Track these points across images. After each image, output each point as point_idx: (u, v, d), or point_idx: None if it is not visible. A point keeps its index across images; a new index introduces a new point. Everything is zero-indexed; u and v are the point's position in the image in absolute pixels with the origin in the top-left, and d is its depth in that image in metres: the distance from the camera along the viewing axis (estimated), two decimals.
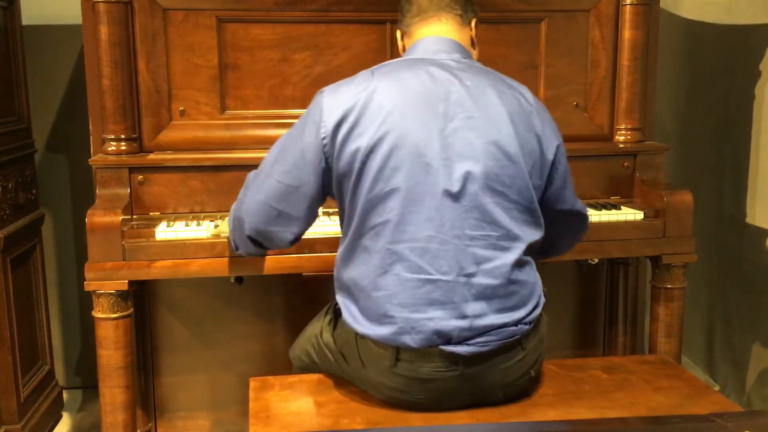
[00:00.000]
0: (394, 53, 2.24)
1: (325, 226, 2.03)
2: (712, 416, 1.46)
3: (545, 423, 1.55)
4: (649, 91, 2.37)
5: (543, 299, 1.64)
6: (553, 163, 1.62)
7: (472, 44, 1.75)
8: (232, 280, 2.12)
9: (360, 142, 1.51)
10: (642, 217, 2.17)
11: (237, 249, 1.84)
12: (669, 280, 2.19)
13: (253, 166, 2.08)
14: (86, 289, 1.95)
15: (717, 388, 2.84)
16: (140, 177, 2.10)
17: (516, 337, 1.57)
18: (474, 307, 1.53)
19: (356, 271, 1.57)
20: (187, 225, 2.01)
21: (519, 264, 1.56)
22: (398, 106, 1.52)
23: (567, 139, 1.74)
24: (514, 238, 1.56)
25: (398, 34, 1.79)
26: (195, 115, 2.21)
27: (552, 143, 1.62)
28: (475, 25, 1.74)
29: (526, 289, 1.58)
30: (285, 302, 2.44)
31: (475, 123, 1.53)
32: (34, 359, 2.58)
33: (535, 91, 1.91)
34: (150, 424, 2.45)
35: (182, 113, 2.20)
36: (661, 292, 2.21)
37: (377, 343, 1.56)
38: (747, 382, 2.75)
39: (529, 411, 1.61)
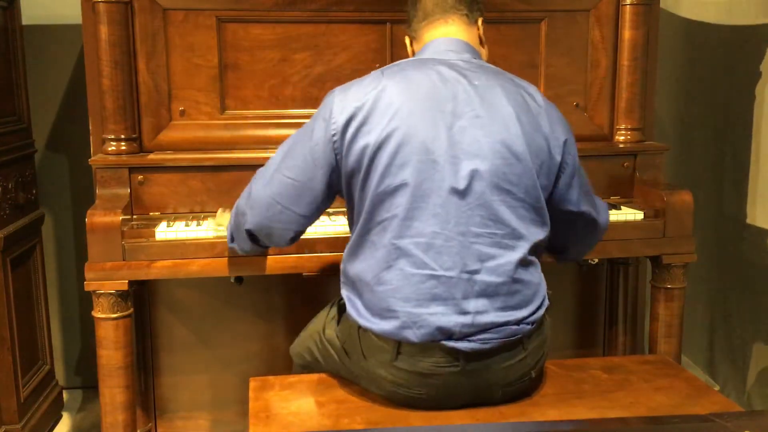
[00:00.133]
0: (395, 53, 2.25)
1: (325, 226, 2.03)
2: (712, 416, 1.46)
3: (545, 423, 1.55)
4: (649, 91, 2.37)
5: (547, 301, 1.64)
6: (561, 164, 1.63)
7: (481, 42, 1.76)
8: (232, 280, 2.12)
9: (368, 138, 1.53)
10: (642, 217, 2.17)
11: (232, 241, 1.85)
12: (669, 280, 2.19)
13: (253, 166, 2.08)
14: (86, 289, 1.95)
15: (717, 388, 2.84)
16: (140, 177, 2.10)
17: (517, 336, 1.57)
18: (476, 304, 1.53)
19: (361, 266, 1.58)
20: (187, 225, 2.01)
21: (523, 263, 1.57)
22: (407, 103, 1.54)
23: None
24: (519, 237, 1.56)
25: (407, 41, 1.80)
26: (195, 115, 2.21)
27: (559, 141, 1.62)
28: (482, 23, 1.76)
29: (529, 288, 1.59)
30: (285, 302, 2.44)
31: (483, 122, 1.55)
32: (34, 359, 2.58)
33: None
34: (150, 424, 2.45)
35: (182, 113, 2.20)
36: (661, 292, 2.21)
37: (379, 336, 1.57)
38: (747, 382, 2.75)
39: (529, 411, 1.61)
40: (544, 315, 1.63)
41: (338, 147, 1.57)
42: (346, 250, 1.65)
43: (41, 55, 2.74)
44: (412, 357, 1.55)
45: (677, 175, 3.04)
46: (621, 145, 2.34)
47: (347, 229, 2.02)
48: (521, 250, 1.56)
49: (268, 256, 1.99)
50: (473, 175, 1.52)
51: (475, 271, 1.53)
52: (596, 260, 2.34)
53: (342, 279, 1.67)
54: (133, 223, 2.06)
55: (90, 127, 2.20)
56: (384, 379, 1.59)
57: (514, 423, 1.56)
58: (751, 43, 2.64)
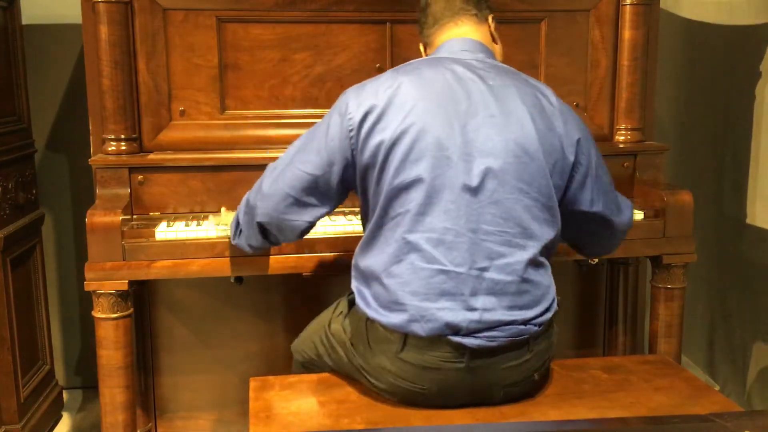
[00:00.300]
0: (395, 53, 2.25)
1: (325, 226, 2.03)
2: (712, 416, 1.46)
3: (545, 423, 1.55)
4: (649, 91, 2.37)
5: (556, 306, 1.64)
6: (574, 164, 1.64)
7: (494, 39, 1.77)
8: (232, 280, 2.12)
9: (384, 135, 1.55)
10: (642, 217, 2.17)
11: (239, 236, 1.84)
12: (669, 280, 2.19)
13: (253, 166, 2.10)
14: (86, 289, 1.95)
15: (717, 388, 2.84)
16: (140, 177, 2.10)
17: (524, 336, 1.57)
18: (484, 301, 1.54)
19: (373, 259, 1.60)
20: (187, 225, 2.01)
21: (534, 263, 1.58)
22: (422, 101, 1.56)
23: None
24: (530, 236, 1.57)
25: (421, 48, 1.82)
26: (195, 115, 2.21)
27: (573, 140, 1.63)
28: (493, 20, 1.77)
29: (538, 290, 1.59)
30: (285, 302, 2.44)
31: (497, 121, 1.56)
32: (34, 359, 2.58)
33: None
34: (150, 424, 2.45)
35: (182, 113, 2.20)
36: (661, 292, 2.21)
37: (386, 328, 1.57)
38: (747, 382, 2.75)
39: (529, 411, 1.61)
40: (552, 319, 1.64)
41: (354, 142, 1.59)
42: (359, 245, 1.67)
43: (41, 55, 2.74)
44: (417, 350, 1.56)
45: (677, 175, 3.04)
46: (621, 145, 2.34)
47: (347, 229, 2.03)
48: (532, 249, 1.57)
49: (268, 256, 1.99)
50: (486, 172, 1.54)
51: (485, 269, 1.54)
52: (596, 260, 2.34)
53: (353, 273, 1.68)
54: (133, 223, 2.06)
55: (90, 127, 2.20)
56: (388, 372, 1.60)
57: (515, 423, 1.56)
58: (751, 43, 2.64)
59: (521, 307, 1.57)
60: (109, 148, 2.12)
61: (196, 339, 2.42)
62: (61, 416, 2.77)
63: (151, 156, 2.14)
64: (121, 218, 1.94)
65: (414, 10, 2.20)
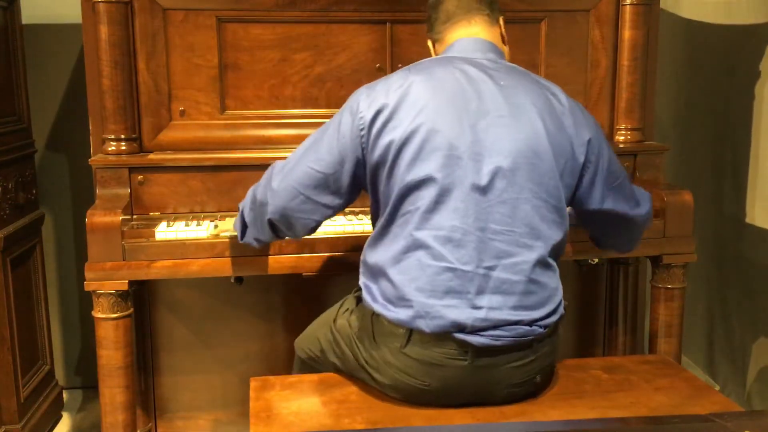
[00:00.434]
0: (395, 53, 2.25)
1: (326, 226, 2.03)
2: (712, 416, 1.46)
3: (546, 423, 1.55)
4: (649, 91, 2.37)
5: (562, 310, 1.65)
6: (584, 164, 1.65)
7: (503, 41, 1.78)
8: (232, 280, 2.12)
9: (394, 134, 1.56)
10: None
11: (245, 234, 1.83)
12: (669, 280, 2.19)
13: (253, 166, 2.10)
14: (86, 289, 1.95)
15: (717, 388, 2.84)
16: (140, 177, 2.10)
17: (528, 338, 1.57)
18: (490, 300, 1.54)
19: (381, 255, 1.60)
20: (187, 225, 2.01)
21: (541, 264, 1.58)
22: (432, 101, 1.57)
23: None
24: (538, 236, 1.58)
25: (429, 44, 1.82)
26: (195, 115, 2.21)
27: (583, 140, 1.64)
28: (504, 22, 1.78)
29: (545, 291, 1.60)
30: (285, 302, 2.44)
31: (507, 122, 1.57)
32: (34, 359, 2.58)
33: None
34: (150, 424, 2.45)
35: (182, 113, 2.20)
36: (661, 292, 2.21)
37: (392, 322, 1.58)
38: (747, 382, 2.75)
39: (529, 411, 1.61)
40: (557, 323, 1.64)
41: (365, 141, 1.60)
42: (367, 242, 1.67)
43: (41, 54, 2.74)
44: (422, 345, 1.56)
45: (677, 175, 3.04)
46: (621, 145, 2.34)
47: (347, 229, 2.03)
48: (539, 250, 1.58)
49: (268, 256, 1.99)
50: (495, 172, 1.54)
51: (492, 267, 1.55)
52: (596, 260, 2.34)
53: (361, 269, 1.69)
54: (133, 223, 2.06)
55: (90, 127, 2.20)
56: (392, 366, 1.60)
57: (515, 423, 1.56)
58: (751, 42, 2.64)
59: (527, 308, 1.57)
60: (109, 148, 2.12)
61: (196, 339, 2.42)
62: (61, 416, 2.77)
63: (151, 156, 2.14)
64: (121, 218, 1.94)
65: (414, 10, 2.21)
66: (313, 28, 2.22)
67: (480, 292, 1.54)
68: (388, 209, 1.59)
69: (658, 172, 2.33)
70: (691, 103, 3.06)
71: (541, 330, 1.59)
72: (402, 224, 1.57)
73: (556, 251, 1.63)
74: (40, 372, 2.61)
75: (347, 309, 1.77)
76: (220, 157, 2.15)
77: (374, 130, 1.58)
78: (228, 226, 1.96)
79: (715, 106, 2.90)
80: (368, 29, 2.24)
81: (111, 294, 1.94)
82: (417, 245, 1.55)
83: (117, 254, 1.94)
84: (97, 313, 1.96)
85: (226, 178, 2.14)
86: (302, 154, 1.69)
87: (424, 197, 1.54)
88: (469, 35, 1.72)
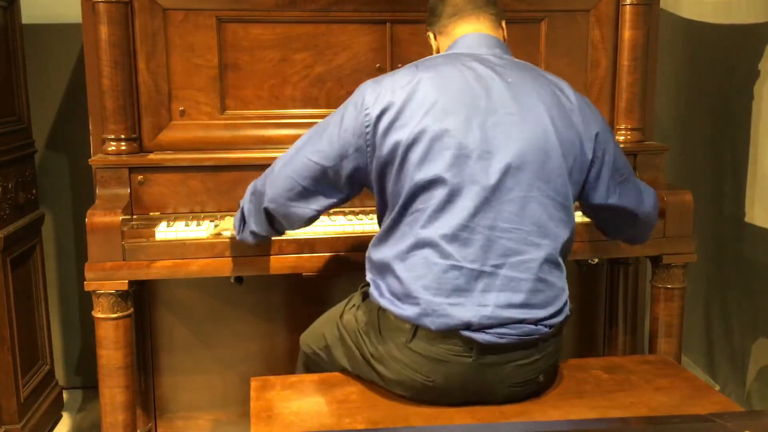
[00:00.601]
0: (395, 53, 2.25)
1: (325, 226, 2.03)
2: (712, 416, 1.46)
3: (546, 423, 1.55)
4: (649, 91, 2.37)
5: (568, 311, 1.65)
6: (592, 159, 1.65)
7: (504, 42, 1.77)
8: (232, 280, 2.12)
9: (401, 134, 1.55)
10: None
11: (243, 229, 1.83)
12: (669, 280, 2.19)
13: (253, 166, 2.10)
14: (86, 289, 1.95)
15: (717, 388, 2.84)
16: (140, 177, 2.10)
17: (533, 336, 1.58)
18: (497, 298, 1.55)
19: (388, 252, 1.60)
20: (187, 225, 2.01)
21: (549, 263, 1.59)
22: (440, 99, 1.56)
23: None
24: (546, 234, 1.58)
25: (431, 36, 1.80)
26: (195, 115, 2.21)
27: (591, 135, 1.64)
28: (505, 25, 1.78)
29: (552, 290, 1.60)
30: (285, 302, 2.44)
31: (515, 120, 1.57)
32: (34, 359, 2.58)
33: None
34: (150, 424, 2.45)
35: (182, 113, 2.20)
36: (661, 292, 2.21)
37: (398, 317, 1.58)
38: (747, 382, 2.75)
39: (529, 410, 1.61)
40: (562, 323, 1.64)
41: (370, 138, 1.59)
42: (373, 240, 1.67)
43: (41, 54, 2.74)
44: (427, 341, 1.56)
45: (677, 175, 3.04)
46: (621, 145, 2.32)
47: (347, 229, 2.03)
48: (546, 248, 1.58)
49: (268, 256, 1.99)
50: (504, 171, 1.54)
51: (499, 266, 1.55)
52: (596, 260, 2.34)
53: (367, 265, 1.69)
54: (133, 223, 2.06)
55: (90, 127, 2.20)
56: (397, 361, 1.60)
57: (515, 423, 1.56)
58: (750, 42, 2.64)
59: (534, 306, 1.57)
60: (109, 148, 2.12)
61: (196, 339, 2.42)
62: (61, 416, 2.77)
63: (151, 156, 2.14)
64: (121, 218, 1.94)
65: (414, 10, 2.21)
66: (313, 28, 2.22)
67: (487, 290, 1.55)
68: (396, 208, 1.59)
69: (658, 172, 2.33)
70: (691, 103, 3.06)
71: (546, 329, 1.59)
72: (410, 223, 1.57)
73: (564, 250, 1.63)
74: (40, 372, 2.61)
75: (354, 305, 1.77)
76: (220, 157, 2.15)
77: (380, 128, 1.57)
78: (228, 225, 1.96)
79: (715, 106, 2.90)
80: (368, 29, 2.24)
81: (111, 294, 1.94)
82: (424, 243, 1.55)
83: (117, 254, 1.94)
84: (97, 313, 1.96)
85: (226, 178, 2.14)
86: (303, 144, 1.69)
87: (434, 197, 1.54)
88: (477, 30, 1.71)
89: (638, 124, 2.34)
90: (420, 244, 1.55)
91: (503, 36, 1.76)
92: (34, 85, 2.64)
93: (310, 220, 1.75)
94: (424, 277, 1.55)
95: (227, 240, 1.97)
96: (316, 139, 1.66)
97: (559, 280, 1.62)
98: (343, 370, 1.77)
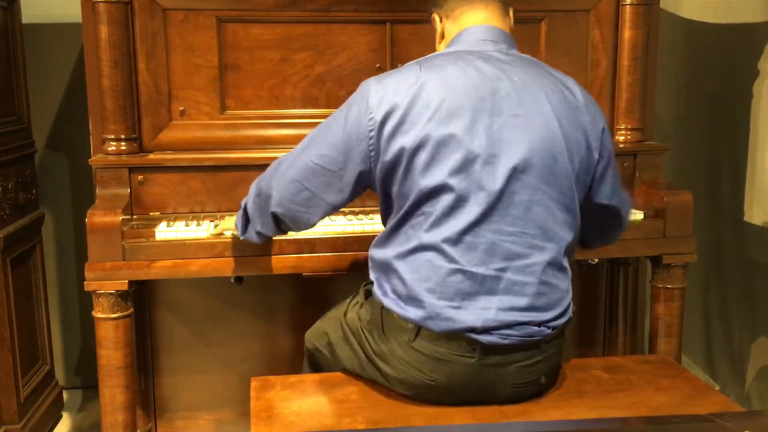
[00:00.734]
0: (395, 53, 2.25)
1: (325, 226, 2.03)
2: (712, 416, 1.46)
3: (546, 423, 1.55)
4: (649, 91, 2.37)
5: (571, 313, 1.65)
6: (599, 159, 1.64)
7: (510, 32, 1.74)
8: (232, 280, 2.12)
9: (406, 139, 1.53)
10: (642, 217, 2.17)
11: (246, 229, 1.83)
12: (669, 280, 2.19)
13: (253, 166, 2.10)
14: (86, 289, 1.95)
15: (717, 388, 2.84)
16: (140, 177, 2.10)
17: (536, 338, 1.57)
18: (501, 302, 1.54)
19: (391, 252, 1.59)
20: (187, 225, 2.01)
21: (553, 266, 1.58)
22: (445, 102, 1.53)
23: None
24: (550, 238, 1.57)
25: (436, 18, 1.75)
26: (195, 115, 2.21)
27: (598, 133, 1.63)
28: (513, 14, 1.75)
29: (556, 293, 1.59)
30: (285, 302, 2.44)
31: (521, 121, 1.55)
32: (34, 359, 2.58)
33: None
34: (150, 424, 2.45)
35: (182, 113, 2.20)
36: (661, 292, 2.21)
37: (401, 317, 1.58)
38: (747, 382, 2.75)
39: (530, 410, 1.61)
40: (565, 325, 1.64)
41: (374, 143, 1.57)
42: (377, 239, 1.66)
43: (41, 54, 2.74)
44: (430, 341, 1.56)
45: (676, 174, 3.04)
46: (621, 145, 2.34)
47: (347, 229, 2.03)
48: (551, 251, 1.57)
49: (268, 256, 1.99)
50: (509, 174, 1.53)
51: (503, 269, 1.54)
52: (596, 260, 2.34)
53: (370, 264, 1.68)
54: (133, 223, 2.06)
55: (90, 127, 2.20)
56: (400, 359, 1.60)
57: (516, 423, 1.56)
58: (750, 41, 2.64)
59: (538, 309, 1.57)
60: (109, 148, 2.12)
61: (196, 339, 2.42)
62: (61, 416, 2.77)
63: (151, 156, 2.14)
64: (121, 218, 1.94)
65: (414, 10, 2.21)
66: (313, 28, 2.22)
67: (491, 293, 1.54)
68: (402, 211, 1.57)
69: (658, 172, 2.33)
70: (691, 103, 3.06)
71: (549, 331, 1.59)
72: (414, 225, 1.56)
73: (568, 252, 1.63)
74: (40, 372, 2.61)
75: (357, 302, 1.77)
76: (220, 157, 2.15)
77: (385, 132, 1.55)
78: (229, 225, 1.95)
79: (715, 106, 2.90)
80: (368, 29, 2.24)
81: (111, 294, 1.94)
82: (427, 247, 1.54)
83: (117, 254, 1.94)
84: (97, 313, 1.96)
85: (226, 178, 2.14)
86: (307, 146, 1.67)
87: (440, 202, 1.53)
88: (483, 21, 1.68)
89: (638, 124, 2.34)
90: (423, 248, 1.55)
91: (510, 24, 1.73)
92: (34, 85, 2.64)
93: (317, 222, 1.74)
94: (428, 280, 1.54)
95: (227, 240, 1.97)
96: (321, 142, 1.64)
97: (563, 282, 1.62)
98: (345, 369, 1.77)
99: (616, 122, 2.36)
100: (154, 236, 1.97)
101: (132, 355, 2.03)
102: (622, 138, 2.35)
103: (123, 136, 2.12)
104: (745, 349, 2.76)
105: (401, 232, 1.59)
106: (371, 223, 2.04)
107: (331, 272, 2.03)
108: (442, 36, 1.75)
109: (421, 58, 1.65)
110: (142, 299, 2.35)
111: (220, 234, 1.98)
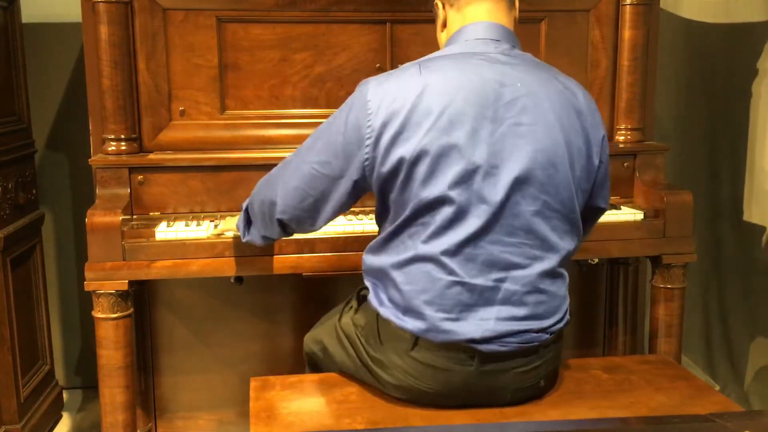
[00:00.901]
0: (395, 53, 2.25)
1: (325, 225, 2.03)
2: (712, 416, 1.46)
3: (546, 423, 1.55)
4: (649, 91, 2.37)
5: (568, 316, 1.64)
6: (599, 166, 1.63)
7: (515, 23, 1.69)
8: (232, 280, 2.12)
9: (405, 149, 1.48)
10: (642, 217, 2.17)
11: (249, 231, 1.81)
12: (669, 280, 2.19)
13: (253, 166, 2.10)
14: (86, 289, 1.95)
15: (717, 388, 2.84)
16: (140, 177, 2.10)
17: (535, 343, 1.57)
18: (499, 311, 1.52)
19: (388, 261, 1.56)
20: (187, 225, 2.01)
21: (551, 275, 1.57)
22: (446, 111, 1.48)
23: None
24: (550, 248, 1.55)
25: (439, 4, 1.67)
26: (195, 115, 2.21)
27: (599, 140, 1.61)
28: (518, 3, 1.69)
29: (554, 300, 1.59)
30: (285, 302, 2.44)
31: (523, 130, 1.51)
32: (34, 359, 2.58)
33: None
34: (150, 424, 2.45)
35: (182, 113, 2.20)
36: (661, 292, 2.21)
37: (399, 328, 1.56)
38: (746, 382, 2.75)
39: (529, 411, 1.61)
40: (562, 329, 1.64)
41: (369, 152, 1.52)
42: (372, 243, 1.63)
43: (41, 54, 2.74)
44: (428, 350, 1.55)
45: (676, 174, 3.04)
46: (621, 145, 2.34)
47: (347, 229, 2.03)
48: (550, 261, 1.56)
49: (268, 256, 1.99)
50: (511, 185, 1.49)
51: (501, 280, 1.52)
52: (596, 260, 2.34)
53: (364, 270, 1.65)
54: (133, 223, 2.06)
55: (90, 127, 2.20)
56: (398, 367, 1.59)
57: (515, 423, 1.56)
58: (750, 41, 2.64)
59: (537, 317, 1.55)
60: (109, 148, 2.12)
61: (196, 339, 2.42)
62: (61, 416, 2.77)
63: (151, 156, 2.14)
64: (121, 218, 1.94)
65: (414, 10, 2.21)
66: (313, 28, 2.22)
67: (489, 303, 1.52)
68: (400, 219, 1.54)
69: (658, 172, 2.33)
70: (691, 103, 3.06)
71: (547, 336, 1.58)
72: (412, 235, 1.53)
73: (567, 259, 1.61)
74: (40, 372, 2.61)
75: (351, 307, 1.76)
76: (220, 157, 2.15)
77: (383, 141, 1.50)
78: (230, 226, 1.95)
79: (715, 106, 2.90)
80: (368, 29, 2.24)
81: (111, 294, 1.94)
82: (427, 258, 1.51)
83: (117, 254, 1.94)
84: (97, 313, 1.96)
85: (226, 178, 2.14)
86: (308, 152, 1.63)
87: (440, 214, 1.49)
88: (487, 16, 1.61)
89: (638, 124, 2.34)
90: (421, 258, 1.52)
91: (515, 17, 1.67)
92: (34, 85, 2.64)
93: (323, 226, 1.71)
94: (426, 291, 1.52)
95: (227, 240, 1.97)
96: (322, 148, 1.60)
97: (561, 288, 1.61)
98: (342, 371, 1.77)
99: (616, 122, 2.36)
100: (154, 236, 1.97)
101: (132, 355, 2.03)
102: (622, 138, 2.35)
103: (123, 136, 2.12)
104: (744, 349, 2.76)
105: (398, 240, 1.56)
106: (371, 223, 2.04)
107: (331, 272, 2.03)
108: (444, 24, 1.68)
109: (421, 59, 1.61)
110: (142, 299, 2.35)
111: (221, 234, 1.98)
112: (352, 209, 2.13)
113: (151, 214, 2.12)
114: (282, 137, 2.21)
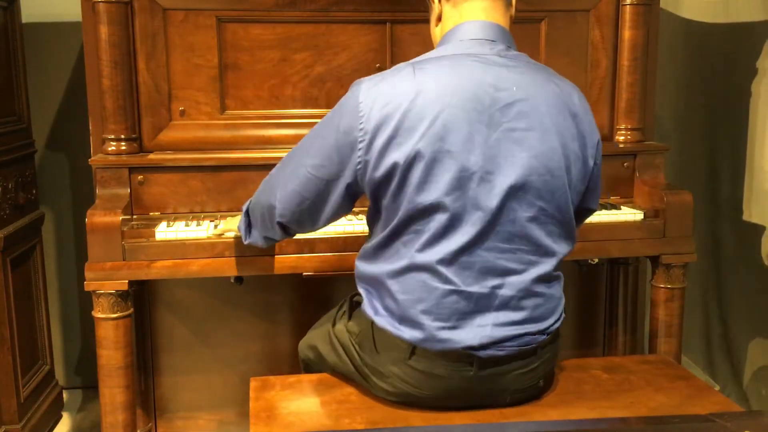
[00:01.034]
0: (395, 53, 2.25)
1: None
2: (712, 416, 1.46)
3: (546, 423, 1.55)
4: (649, 91, 2.37)
5: (563, 315, 1.64)
6: (593, 169, 1.63)
7: (511, 22, 1.67)
8: (232, 280, 2.12)
9: (399, 154, 1.46)
10: (642, 217, 2.17)
11: (250, 234, 1.81)
12: (669, 280, 2.19)
13: (252, 166, 2.10)
14: (86, 289, 1.95)
15: (717, 388, 2.84)
16: (140, 177, 2.10)
17: (532, 345, 1.56)
18: (496, 317, 1.52)
19: (381, 269, 1.55)
20: (187, 225, 2.01)
21: (547, 279, 1.56)
22: (441, 115, 1.45)
23: None
24: (545, 253, 1.55)
25: (435, 1, 1.64)
26: (195, 115, 2.21)
27: (594, 143, 1.61)
28: (515, 1, 1.67)
29: (550, 303, 1.59)
30: (285, 302, 2.44)
31: (519, 135, 1.49)
32: (34, 359, 2.58)
33: None
34: (150, 424, 2.45)
35: (182, 113, 2.20)
36: (661, 292, 2.21)
37: (396, 337, 1.55)
38: (746, 383, 2.75)
39: (529, 411, 1.61)
40: (558, 329, 1.63)
41: (362, 155, 1.49)
42: (364, 251, 1.61)
43: (41, 54, 2.74)
44: (426, 359, 1.54)
45: (677, 174, 3.04)
46: (621, 145, 2.34)
47: (347, 229, 2.03)
48: (546, 265, 1.55)
49: (268, 256, 1.99)
50: (506, 192, 1.48)
51: (498, 286, 1.51)
52: (596, 260, 2.34)
53: (358, 275, 1.63)
54: (133, 223, 2.06)
55: (90, 127, 2.20)
56: (395, 376, 1.58)
57: (515, 423, 1.56)
58: (750, 41, 2.64)
59: (534, 321, 1.55)
60: (109, 148, 2.12)
61: (196, 339, 2.42)
62: (61, 416, 2.77)
63: (151, 156, 2.14)
64: (121, 218, 1.94)
65: (414, 10, 2.21)
66: (313, 28, 2.22)
67: (485, 310, 1.51)
68: (392, 225, 1.52)
69: (658, 172, 2.33)
70: (691, 103, 3.06)
71: (545, 337, 1.58)
72: (406, 242, 1.51)
73: (562, 262, 1.61)
74: (40, 372, 2.61)
75: (344, 312, 1.76)
76: (220, 157, 2.15)
77: (376, 146, 1.47)
78: (231, 226, 1.95)
79: (715, 106, 2.90)
80: (368, 29, 2.24)
81: (111, 294, 1.94)
82: (420, 267, 1.50)
83: (117, 254, 1.94)
84: (97, 313, 1.96)
85: (226, 178, 2.14)
86: (303, 155, 1.61)
87: (434, 221, 1.48)
88: (483, 15, 1.58)
89: (638, 124, 2.34)
90: (416, 268, 1.50)
91: (511, 16, 1.65)
92: (34, 85, 2.64)
93: (324, 227, 1.70)
94: (423, 301, 1.50)
95: (227, 240, 1.97)
96: (316, 152, 1.58)
97: (557, 290, 1.61)
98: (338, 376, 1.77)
99: (616, 122, 2.36)
100: (154, 236, 1.97)
101: (132, 355, 2.03)
102: (622, 138, 2.35)
103: (123, 136, 2.12)
104: (744, 349, 2.76)
105: (391, 248, 1.54)
106: (368, 227, 2.04)
107: (331, 272, 2.03)
108: (439, 19, 1.65)
109: (415, 59, 1.58)
110: (142, 299, 2.35)
111: (221, 234, 1.98)
112: (351, 210, 2.14)
113: (151, 214, 2.12)
114: (282, 137, 2.21)
